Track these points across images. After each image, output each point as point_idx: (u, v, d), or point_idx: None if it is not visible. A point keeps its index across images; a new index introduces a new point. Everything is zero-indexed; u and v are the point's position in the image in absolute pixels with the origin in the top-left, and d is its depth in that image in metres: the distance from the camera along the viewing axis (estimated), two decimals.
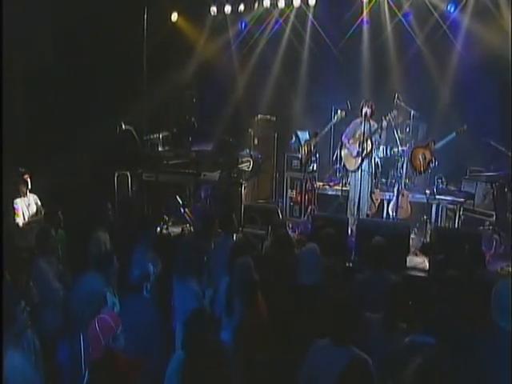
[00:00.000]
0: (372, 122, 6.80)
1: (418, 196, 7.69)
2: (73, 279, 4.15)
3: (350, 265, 5.15)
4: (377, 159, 7.42)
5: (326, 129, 7.50)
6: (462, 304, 3.18)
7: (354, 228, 6.19)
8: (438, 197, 6.51)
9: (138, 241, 4.67)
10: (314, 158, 7.20)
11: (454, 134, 6.29)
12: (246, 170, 7.69)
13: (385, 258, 3.94)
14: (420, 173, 6.61)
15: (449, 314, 3.04)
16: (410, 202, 7.32)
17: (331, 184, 8.44)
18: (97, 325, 2.77)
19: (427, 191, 6.68)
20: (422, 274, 5.19)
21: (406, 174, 7.37)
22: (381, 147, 7.55)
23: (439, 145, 6.56)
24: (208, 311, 3.32)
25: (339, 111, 6.93)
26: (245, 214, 6.15)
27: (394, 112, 7.08)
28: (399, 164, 7.98)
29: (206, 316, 3.07)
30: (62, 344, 2.94)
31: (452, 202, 6.36)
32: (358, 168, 6.88)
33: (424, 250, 5.47)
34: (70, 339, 2.89)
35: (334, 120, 6.89)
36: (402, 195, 7.33)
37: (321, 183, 8.24)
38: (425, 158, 6.52)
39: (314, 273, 3.45)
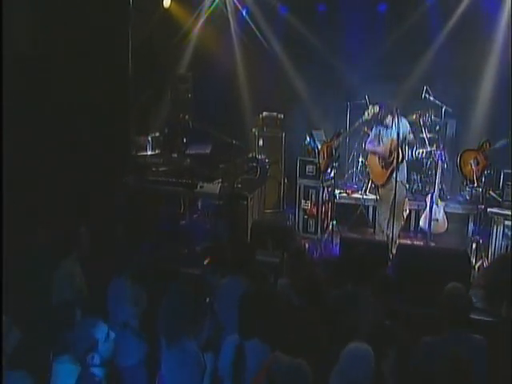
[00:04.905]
0: (401, 125, 5.63)
1: (453, 206, 6.70)
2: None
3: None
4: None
5: (353, 128, 6.34)
6: None
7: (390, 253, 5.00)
8: (490, 210, 5.31)
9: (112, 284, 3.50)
10: (335, 164, 6.02)
11: None
12: (251, 179, 6.53)
13: (467, 314, 2.78)
14: (471, 181, 5.43)
15: None
16: (446, 214, 6.20)
17: (349, 191, 7.36)
18: None
19: (480, 206, 5.47)
20: (488, 319, 3.98)
21: (440, 179, 6.26)
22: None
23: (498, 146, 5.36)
24: None
25: (370, 106, 5.76)
26: (252, 236, 4.96)
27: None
28: (426, 167, 7.08)
29: None
30: None
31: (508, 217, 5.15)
32: (387, 181, 5.82)
33: (494, 292, 4.09)
34: None
35: (365, 116, 5.73)
36: (437, 205, 6.23)
37: (337, 191, 7.11)
38: (477, 164, 5.35)
39: None
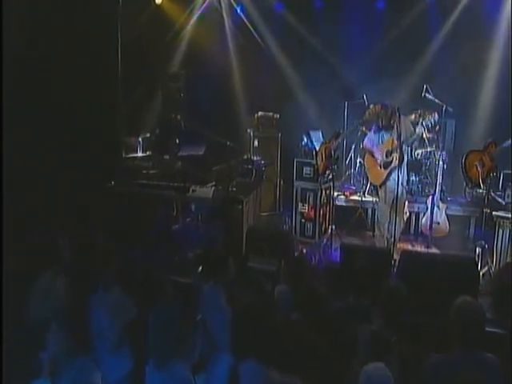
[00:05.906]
0: (403, 125, 5.39)
1: (454, 208, 6.51)
2: None
3: None
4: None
5: (352, 127, 6.12)
6: None
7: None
8: (495, 213, 5.08)
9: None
10: (335, 166, 5.79)
11: None
12: (247, 182, 6.30)
13: (479, 332, 2.55)
14: (477, 185, 5.21)
15: None
16: (447, 216, 6.00)
17: (347, 193, 7.15)
18: None
19: (485, 210, 5.24)
20: (495, 330, 3.75)
21: (441, 180, 6.07)
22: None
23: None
24: None
25: (371, 105, 5.52)
26: (248, 242, 4.71)
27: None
28: (426, 168, 6.90)
29: None
30: None
31: None
32: (385, 182, 5.61)
33: (502, 300, 3.80)
34: None
35: (366, 116, 5.50)
36: (438, 207, 6.03)
37: (335, 193, 6.90)
38: (483, 166, 5.12)
39: None
